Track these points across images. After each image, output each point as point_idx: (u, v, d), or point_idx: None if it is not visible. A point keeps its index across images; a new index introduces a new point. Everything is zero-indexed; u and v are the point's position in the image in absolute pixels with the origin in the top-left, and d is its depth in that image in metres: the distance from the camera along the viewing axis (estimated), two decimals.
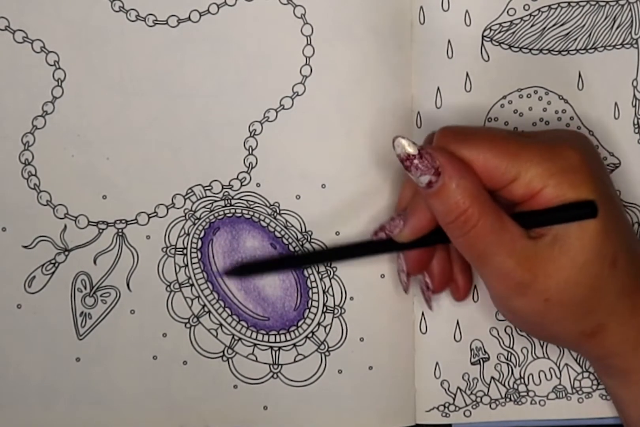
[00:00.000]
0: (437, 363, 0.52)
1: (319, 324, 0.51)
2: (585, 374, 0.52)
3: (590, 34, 0.52)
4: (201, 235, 0.51)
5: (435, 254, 0.49)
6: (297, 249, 0.51)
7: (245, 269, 0.49)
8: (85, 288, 0.51)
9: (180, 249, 0.51)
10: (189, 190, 0.51)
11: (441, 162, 0.43)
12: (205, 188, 0.51)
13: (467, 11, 0.51)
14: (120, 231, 0.51)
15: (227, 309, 0.51)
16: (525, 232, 0.44)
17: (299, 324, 0.51)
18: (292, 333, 0.51)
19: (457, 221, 0.43)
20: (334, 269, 0.51)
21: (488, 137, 0.44)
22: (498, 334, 0.52)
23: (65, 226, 0.51)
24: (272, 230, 0.51)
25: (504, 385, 0.52)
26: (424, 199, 0.45)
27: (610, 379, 0.48)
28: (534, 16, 0.52)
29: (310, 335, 0.51)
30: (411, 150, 0.43)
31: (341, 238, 0.51)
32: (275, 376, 0.51)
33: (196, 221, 0.51)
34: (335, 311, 0.51)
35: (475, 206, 0.43)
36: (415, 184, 0.44)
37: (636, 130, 0.52)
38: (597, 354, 0.47)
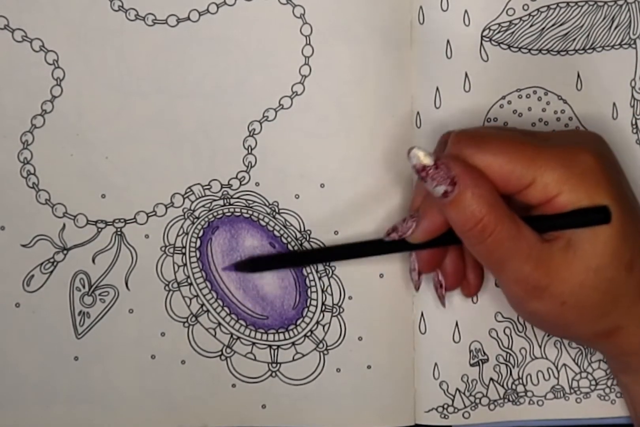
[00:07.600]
0: (436, 364, 0.51)
1: (317, 322, 0.51)
2: (584, 375, 0.52)
3: (588, 34, 0.52)
4: (200, 234, 0.51)
5: (448, 253, 0.49)
6: (296, 247, 0.51)
7: (255, 264, 0.50)
8: (84, 287, 0.51)
9: (179, 248, 0.51)
10: (188, 190, 0.51)
11: (457, 172, 0.43)
12: (205, 187, 0.51)
13: (466, 11, 0.51)
14: (119, 230, 0.51)
15: (225, 308, 0.51)
16: (540, 237, 0.44)
17: (298, 322, 0.51)
18: (290, 332, 0.51)
19: (474, 229, 0.43)
20: (333, 268, 0.51)
21: (503, 142, 0.44)
22: (497, 335, 0.52)
23: (64, 225, 0.51)
24: (271, 229, 0.51)
25: (502, 386, 0.52)
26: (440, 208, 0.44)
27: (626, 376, 0.48)
28: (533, 16, 0.52)
29: (309, 334, 0.51)
30: (427, 161, 0.43)
31: (340, 238, 0.51)
32: (273, 374, 0.51)
33: (195, 220, 0.51)
34: (334, 309, 0.51)
35: (492, 214, 0.43)
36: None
37: (634, 131, 0.52)
38: (613, 353, 0.47)
